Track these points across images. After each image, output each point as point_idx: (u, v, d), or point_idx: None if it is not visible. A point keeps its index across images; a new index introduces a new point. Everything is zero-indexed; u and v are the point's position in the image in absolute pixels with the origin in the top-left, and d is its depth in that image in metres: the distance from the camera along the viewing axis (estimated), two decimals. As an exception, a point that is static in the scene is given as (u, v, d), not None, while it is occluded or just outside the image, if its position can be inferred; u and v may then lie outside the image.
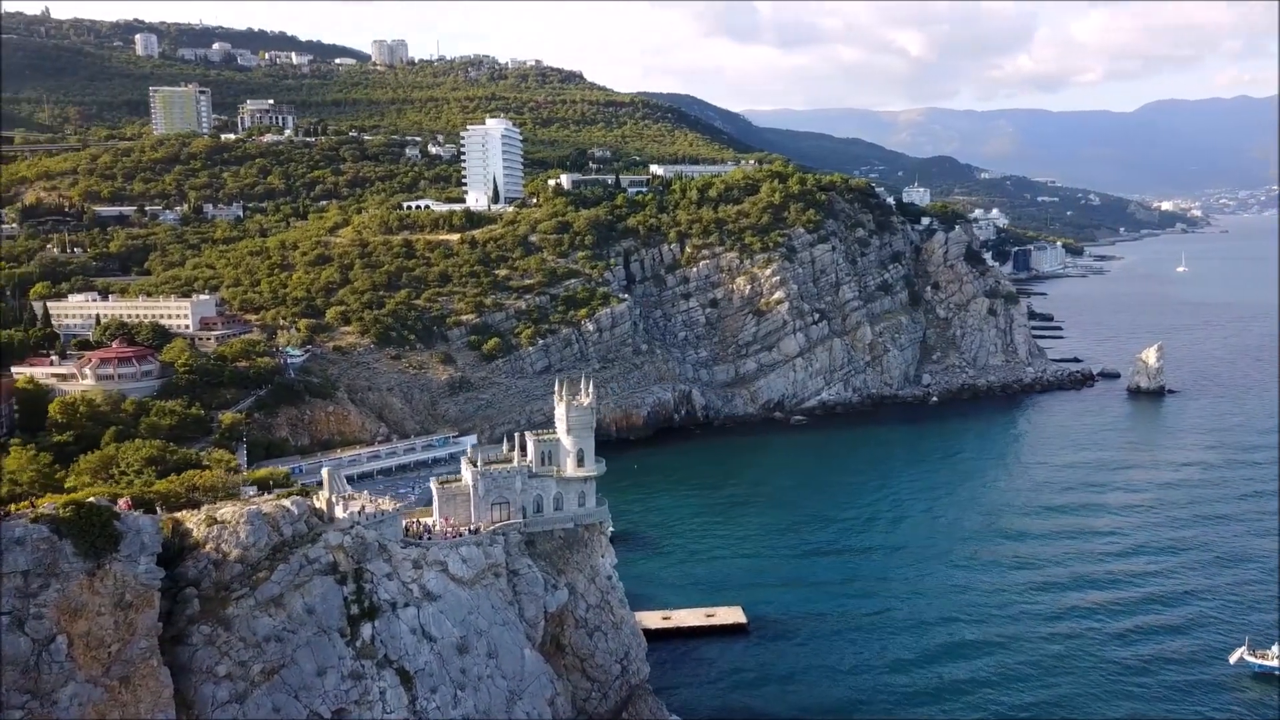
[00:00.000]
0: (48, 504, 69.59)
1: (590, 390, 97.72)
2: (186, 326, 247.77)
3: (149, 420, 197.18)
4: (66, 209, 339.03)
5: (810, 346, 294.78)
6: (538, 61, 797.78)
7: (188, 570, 77.99)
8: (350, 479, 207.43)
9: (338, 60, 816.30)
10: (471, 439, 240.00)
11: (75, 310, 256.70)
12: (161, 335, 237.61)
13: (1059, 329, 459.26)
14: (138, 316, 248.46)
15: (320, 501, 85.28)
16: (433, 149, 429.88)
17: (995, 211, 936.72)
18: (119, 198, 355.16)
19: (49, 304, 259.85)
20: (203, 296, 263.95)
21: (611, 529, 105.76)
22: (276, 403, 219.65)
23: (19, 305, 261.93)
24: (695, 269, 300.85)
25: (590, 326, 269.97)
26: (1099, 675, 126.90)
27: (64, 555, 67.13)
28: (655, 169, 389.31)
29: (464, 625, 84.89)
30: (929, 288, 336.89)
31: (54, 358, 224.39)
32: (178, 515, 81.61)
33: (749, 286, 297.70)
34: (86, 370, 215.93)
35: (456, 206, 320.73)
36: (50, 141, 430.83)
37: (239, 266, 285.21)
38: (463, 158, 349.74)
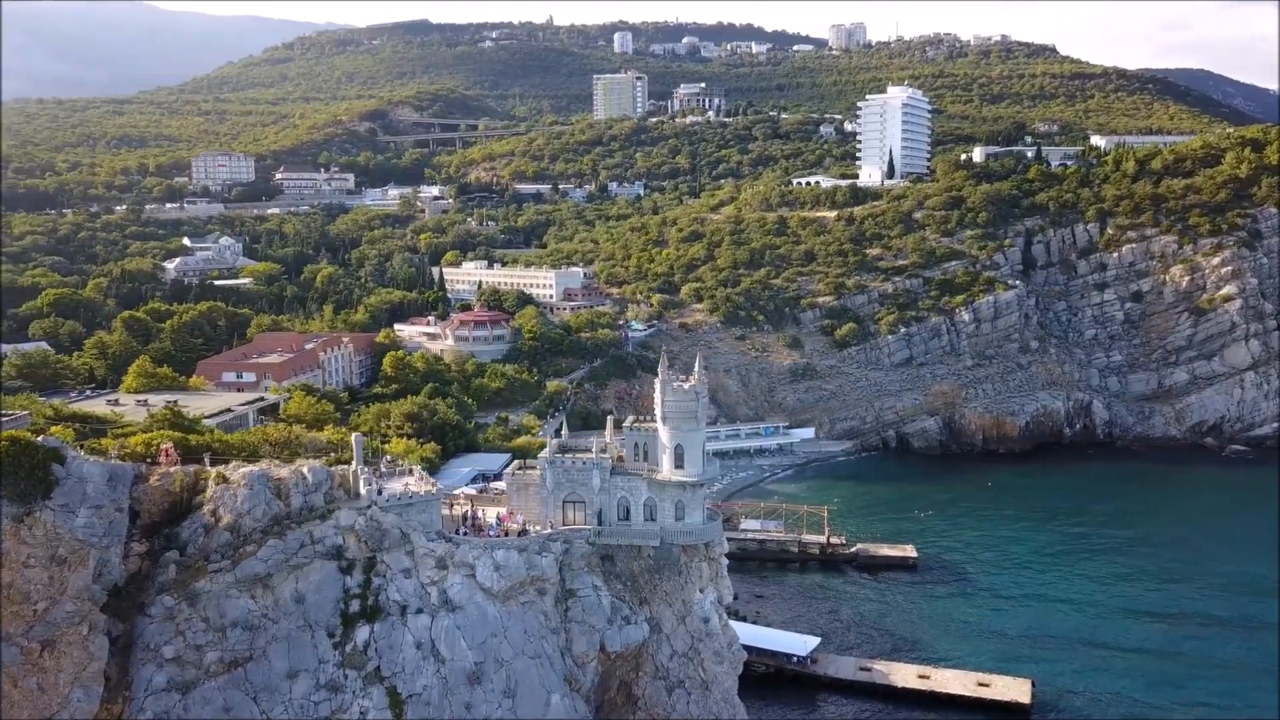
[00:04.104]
0: None
1: (701, 370, 74.20)
2: (550, 296, 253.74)
3: (480, 382, 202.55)
4: (493, 187, 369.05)
5: (1269, 359, 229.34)
6: (1004, 36, 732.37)
7: (181, 531, 69.09)
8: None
9: (795, 47, 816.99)
10: (806, 432, 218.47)
11: (464, 277, 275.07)
12: (526, 303, 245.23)
13: None
14: (511, 284, 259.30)
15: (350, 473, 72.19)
16: (849, 126, 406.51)
17: None
18: (541, 177, 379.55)
19: (445, 270, 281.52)
20: (573, 269, 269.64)
21: (725, 553, 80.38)
22: (608, 375, 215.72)
23: (427, 271, 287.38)
24: (1117, 254, 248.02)
25: (966, 316, 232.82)
26: None
27: (-14, 496, 60.49)
28: (1095, 140, 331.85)
29: (483, 649, 67.19)
30: None
31: (430, 318, 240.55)
32: (205, 470, 73.15)
33: (1187, 278, 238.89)
34: (448, 331, 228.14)
35: (843, 182, 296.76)
36: (504, 129, 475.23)
37: (617, 241, 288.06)
38: (856, 133, 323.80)
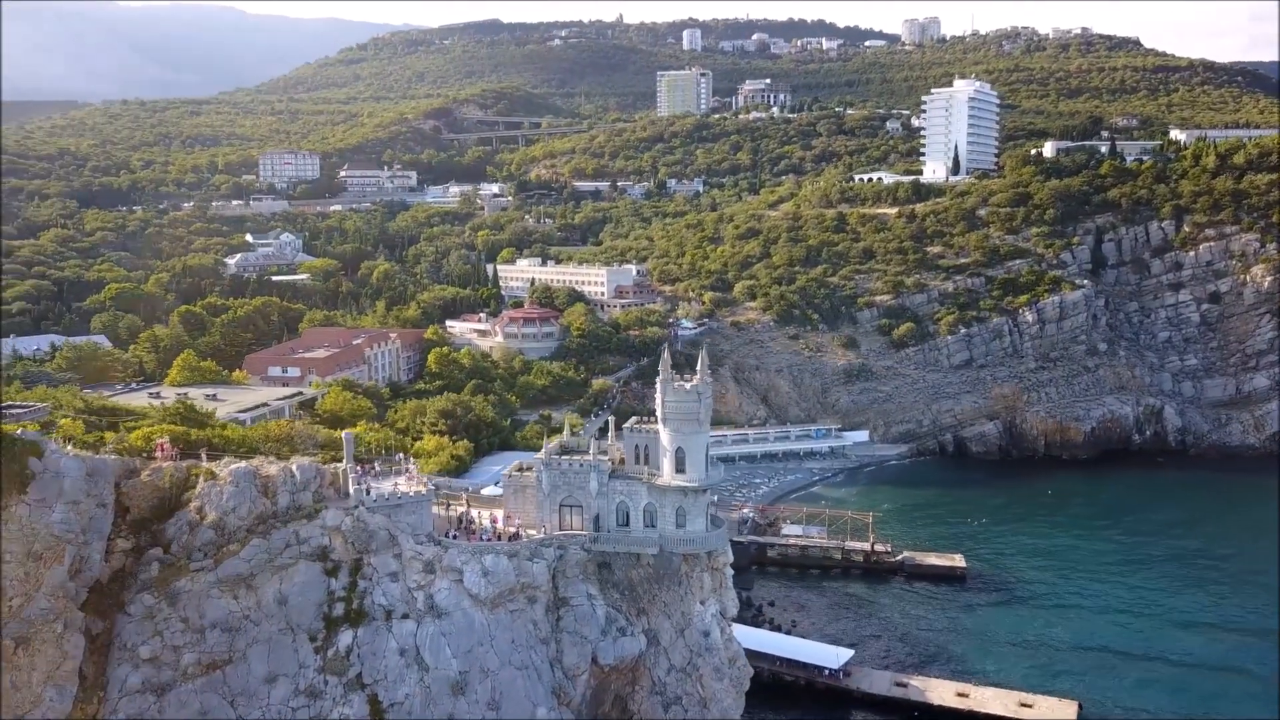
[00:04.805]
0: None
1: (705, 369, 70.31)
2: (601, 294, 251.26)
3: (525, 379, 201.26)
4: (553, 184, 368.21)
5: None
6: (1084, 29, 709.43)
7: (167, 528, 67.71)
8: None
9: (867, 43, 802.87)
10: (860, 434, 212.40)
11: (518, 274, 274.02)
12: (577, 300, 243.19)
13: None
14: (563, 282, 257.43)
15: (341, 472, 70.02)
16: (915, 122, 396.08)
17: None
18: (600, 174, 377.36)
19: (499, 267, 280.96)
20: (625, 266, 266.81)
21: (730, 564, 76.15)
22: (655, 373, 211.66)
23: (483, 268, 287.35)
24: (1193, 253, 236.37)
25: (1029, 316, 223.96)
26: None
27: (-39, 489, 59.62)
28: (1175, 134, 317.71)
29: (468, 658, 64.46)
30: None
31: (481, 315, 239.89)
32: (198, 466, 71.73)
33: (1270, 278, 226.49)
34: (498, 328, 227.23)
35: (906, 178, 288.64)
36: (567, 126, 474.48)
37: (671, 239, 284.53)
38: (921, 128, 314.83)
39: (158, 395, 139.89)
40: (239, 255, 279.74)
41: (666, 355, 76.78)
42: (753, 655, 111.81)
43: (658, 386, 70.26)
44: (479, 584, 65.53)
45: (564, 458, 70.92)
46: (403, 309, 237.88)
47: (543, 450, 72.84)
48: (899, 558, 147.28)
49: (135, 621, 63.23)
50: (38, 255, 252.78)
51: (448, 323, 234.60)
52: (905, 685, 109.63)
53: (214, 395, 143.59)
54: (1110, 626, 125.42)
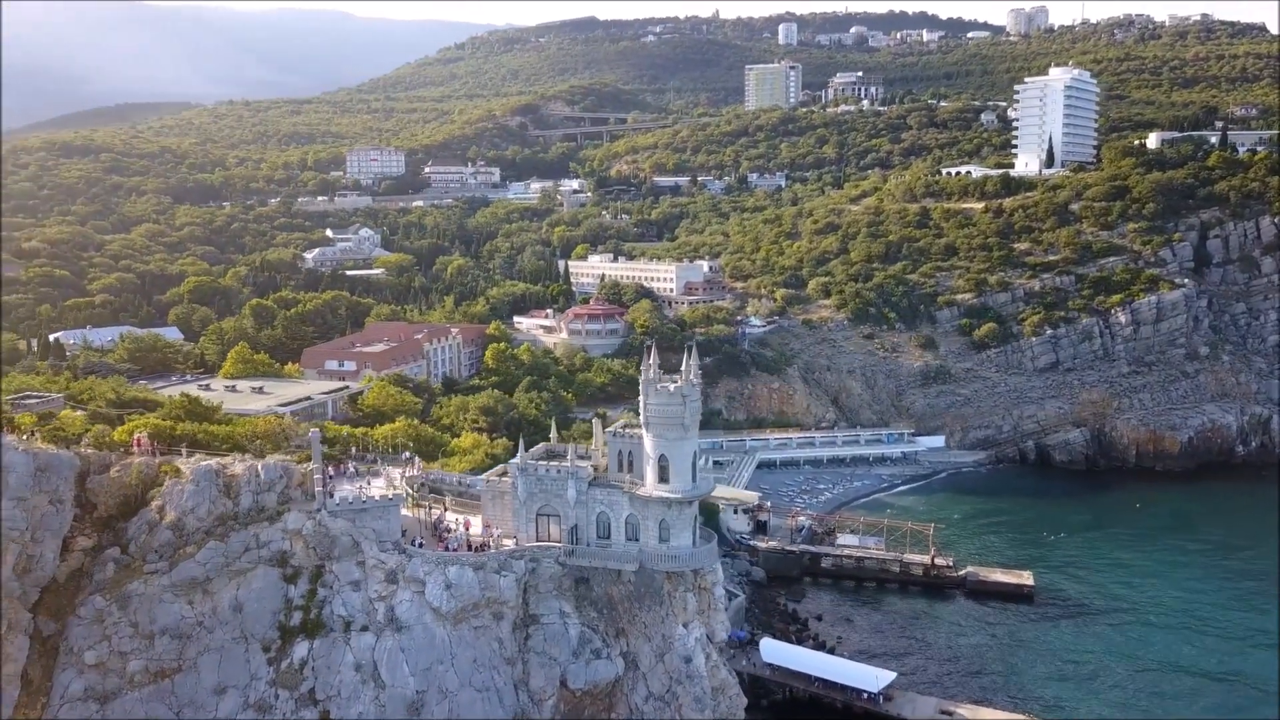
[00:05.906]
0: None
1: (693, 368, 63.99)
2: (670, 290, 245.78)
3: (584, 376, 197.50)
4: (633, 180, 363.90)
5: None
6: (1204, 16, 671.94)
7: (129, 527, 65.04)
8: (772, 463, 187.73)
9: (969, 35, 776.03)
10: (935, 440, 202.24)
11: (588, 270, 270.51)
12: (644, 296, 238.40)
13: None
14: (632, 278, 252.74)
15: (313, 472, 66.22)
16: (1011, 114, 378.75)
17: None
18: (681, 169, 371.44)
19: (571, 264, 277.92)
20: (697, 262, 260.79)
21: (720, 584, 69.44)
22: (719, 373, 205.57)
23: (555, 264, 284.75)
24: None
25: (1123, 318, 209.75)
26: None
27: (-97, 483, 57.69)
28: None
29: (426, 676, 59.97)
30: None
31: (549, 311, 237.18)
32: (169, 463, 68.95)
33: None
34: (563, 324, 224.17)
35: (995, 172, 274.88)
36: (653, 121, 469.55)
37: (747, 234, 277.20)
38: (1015, 120, 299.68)
39: (207, 387, 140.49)
40: (317, 250, 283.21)
41: (653, 352, 70.90)
42: (788, 674, 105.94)
43: (640, 387, 64.48)
44: (441, 597, 60.98)
45: (540, 463, 65.78)
46: (471, 304, 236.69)
47: (519, 455, 67.77)
48: (961, 573, 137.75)
49: (84, 625, 60.71)
50: (126, 249, 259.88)
51: (515, 318, 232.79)
52: (951, 714, 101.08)
53: (261, 388, 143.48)
54: (1185, 651, 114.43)
